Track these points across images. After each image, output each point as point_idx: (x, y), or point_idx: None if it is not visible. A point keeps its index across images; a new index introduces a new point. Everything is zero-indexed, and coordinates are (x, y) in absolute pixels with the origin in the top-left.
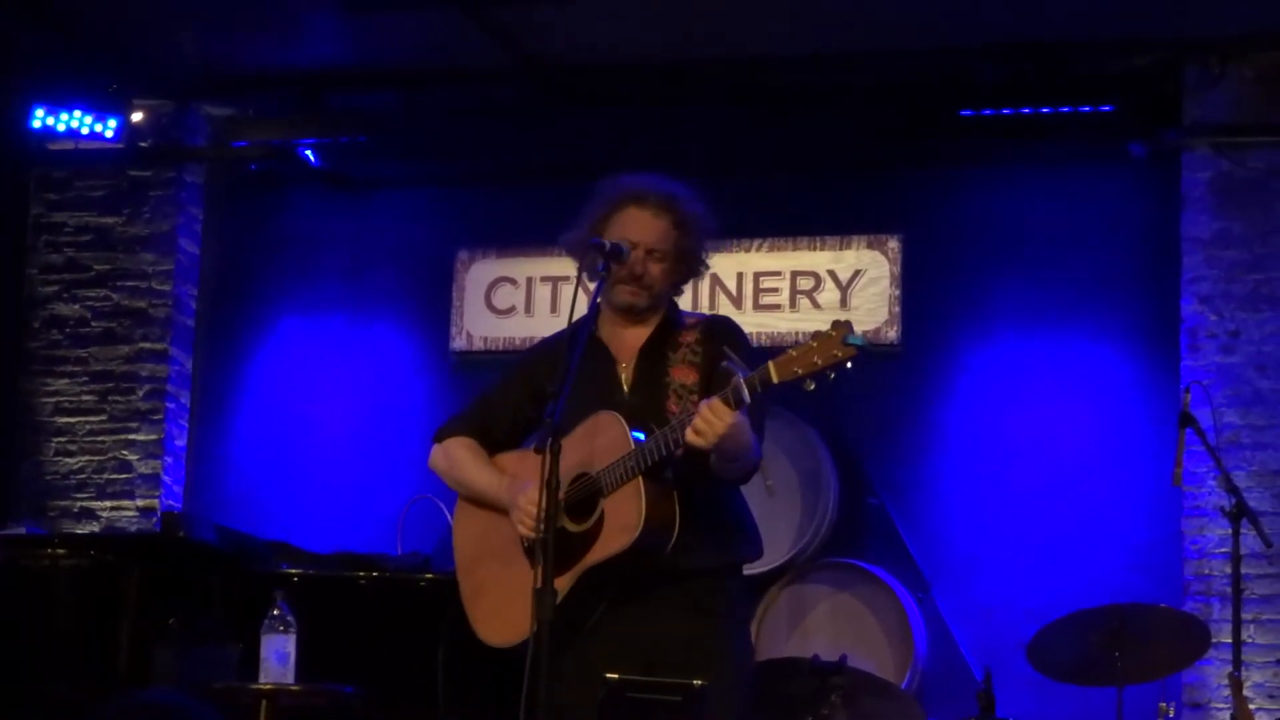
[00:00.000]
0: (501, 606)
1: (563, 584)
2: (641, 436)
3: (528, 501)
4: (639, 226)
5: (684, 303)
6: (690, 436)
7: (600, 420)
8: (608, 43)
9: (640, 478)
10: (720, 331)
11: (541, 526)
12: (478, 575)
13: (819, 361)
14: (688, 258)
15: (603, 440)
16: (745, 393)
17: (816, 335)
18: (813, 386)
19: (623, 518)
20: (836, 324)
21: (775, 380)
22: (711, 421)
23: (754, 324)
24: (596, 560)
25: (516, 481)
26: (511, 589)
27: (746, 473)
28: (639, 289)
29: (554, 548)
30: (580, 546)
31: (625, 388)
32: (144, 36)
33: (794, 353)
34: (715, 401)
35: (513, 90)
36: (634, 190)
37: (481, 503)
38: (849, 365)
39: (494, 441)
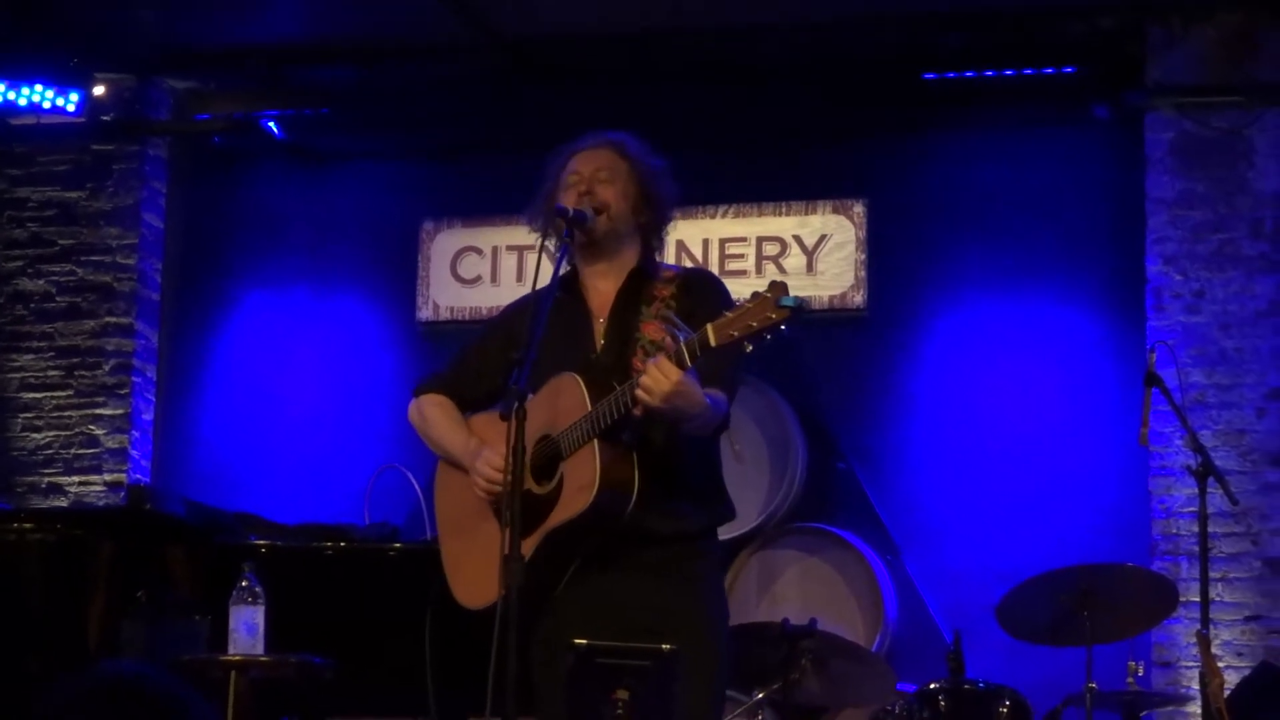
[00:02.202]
0: (475, 569)
1: (527, 547)
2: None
3: (484, 464)
4: (581, 161)
5: None
6: (639, 395)
7: (560, 382)
8: (570, 14)
9: (596, 440)
10: (697, 286)
11: (496, 489)
12: (456, 539)
13: (754, 324)
14: (641, 185)
15: (563, 402)
16: (685, 357)
17: (753, 297)
18: (750, 349)
19: (580, 480)
20: (772, 285)
21: (713, 343)
22: (658, 379)
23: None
24: (557, 523)
25: (483, 444)
26: (484, 551)
27: (710, 430)
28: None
29: (521, 511)
30: (544, 509)
31: (599, 344)
32: (105, 10)
33: (730, 315)
34: (661, 359)
35: (475, 63)
36: (574, 143)
37: (457, 465)
38: (783, 328)
39: (467, 401)
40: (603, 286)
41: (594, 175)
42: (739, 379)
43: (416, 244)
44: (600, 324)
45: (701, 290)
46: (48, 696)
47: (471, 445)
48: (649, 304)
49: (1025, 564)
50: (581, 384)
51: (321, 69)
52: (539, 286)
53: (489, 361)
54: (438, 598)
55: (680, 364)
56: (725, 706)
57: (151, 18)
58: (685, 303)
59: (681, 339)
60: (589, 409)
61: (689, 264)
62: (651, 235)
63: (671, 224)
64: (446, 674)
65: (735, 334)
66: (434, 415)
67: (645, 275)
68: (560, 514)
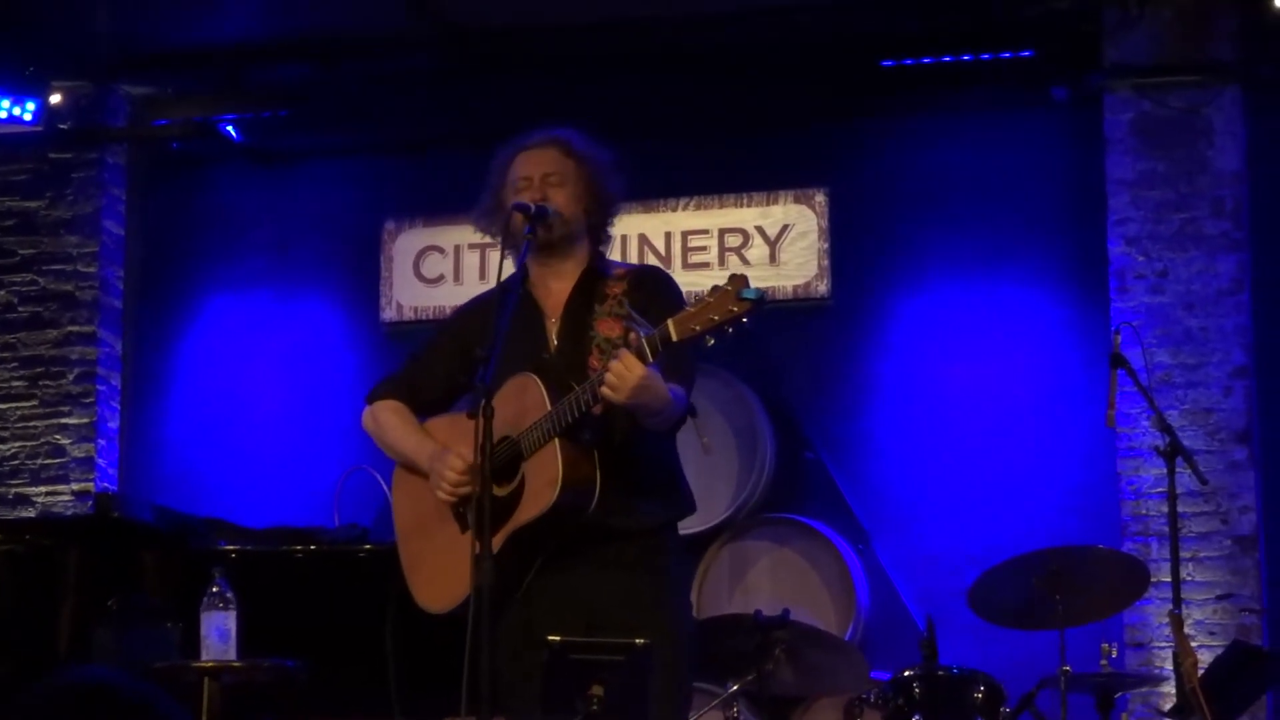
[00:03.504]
0: (436, 572)
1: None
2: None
3: (444, 467)
4: (528, 162)
5: None
6: (605, 393)
7: (518, 382)
8: (525, 6)
9: (557, 439)
10: (648, 282)
11: (461, 492)
12: (414, 543)
13: (715, 318)
14: (590, 184)
15: (522, 402)
16: (648, 353)
17: (713, 291)
18: (713, 343)
19: (541, 480)
20: (733, 278)
21: (675, 338)
22: (623, 375)
23: (684, 283)
24: (520, 524)
25: (441, 447)
26: (445, 555)
27: (672, 423)
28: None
29: (475, 511)
30: (506, 510)
31: (552, 344)
32: (60, 17)
33: (692, 309)
34: (625, 354)
35: (432, 58)
36: (519, 140)
37: (414, 469)
38: (745, 320)
39: (424, 404)
40: (555, 286)
41: (544, 180)
42: (695, 372)
43: (379, 244)
44: (553, 324)
45: (653, 287)
46: (15, 701)
47: (430, 448)
48: (601, 302)
49: (995, 548)
50: (540, 384)
51: (279, 68)
52: (501, 282)
53: (442, 364)
54: (398, 601)
55: (643, 359)
56: (699, 699)
57: (106, 25)
58: (637, 299)
59: (643, 334)
60: (549, 408)
61: (651, 258)
62: (600, 231)
63: (618, 217)
64: (413, 676)
65: (697, 328)
66: (389, 421)
67: (597, 274)
68: (524, 514)
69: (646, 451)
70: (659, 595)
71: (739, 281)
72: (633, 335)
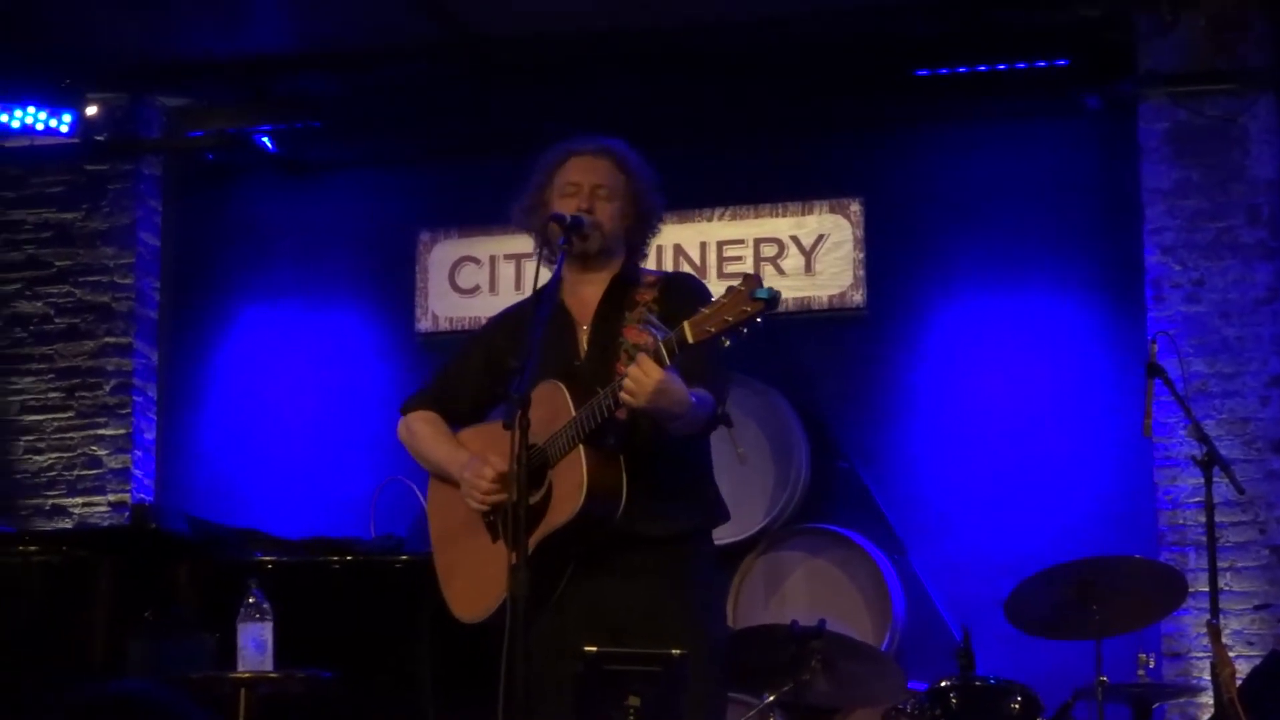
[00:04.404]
0: (469, 582)
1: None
2: None
3: (475, 476)
4: (580, 169)
5: None
6: (624, 397)
7: (545, 389)
8: (554, 13)
9: (581, 445)
10: (679, 288)
11: (492, 501)
12: (448, 552)
13: (730, 318)
14: (637, 201)
15: (549, 409)
16: (664, 356)
17: (727, 292)
18: (728, 344)
19: (567, 486)
20: (746, 278)
21: (691, 340)
22: (640, 379)
23: (719, 293)
24: (547, 532)
25: (473, 457)
26: (477, 563)
27: (699, 427)
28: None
29: (512, 521)
30: (535, 518)
31: (582, 352)
32: (94, 30)
33: (707, 311)
34: (642, 358)
35: (461, 68)
36: (571, 144)
37: (447, 479)
38: (759, 320)
39: (456, 414)
40: (587, 295)
41: (594, 190)
42: (727, 377)
43: (413, 255)
44: (584, 331)
45: (683, 292)
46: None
47: (461, 458)
48: (631, 309)
49: (1031, 557)
50: (565, 391)
51: (310, 79)
52: (535, 292)
53: (474, 375)
54: (433, 611)
55: (660, 362)
56: (735, 710)
57: (141, 36)
58: (667, 305)
59: (660, 338)
60: (573, 415)
61: (686, 267)
62: (638, 246)
63: (656, 234)
64: (447, 686)
65: (712, 329)
66: (423, 431)
67: (627, 282)
68: (551, 521)
69: (674, 457)
70: (688, 603)
71: (752, 282)
72: (650, 339)
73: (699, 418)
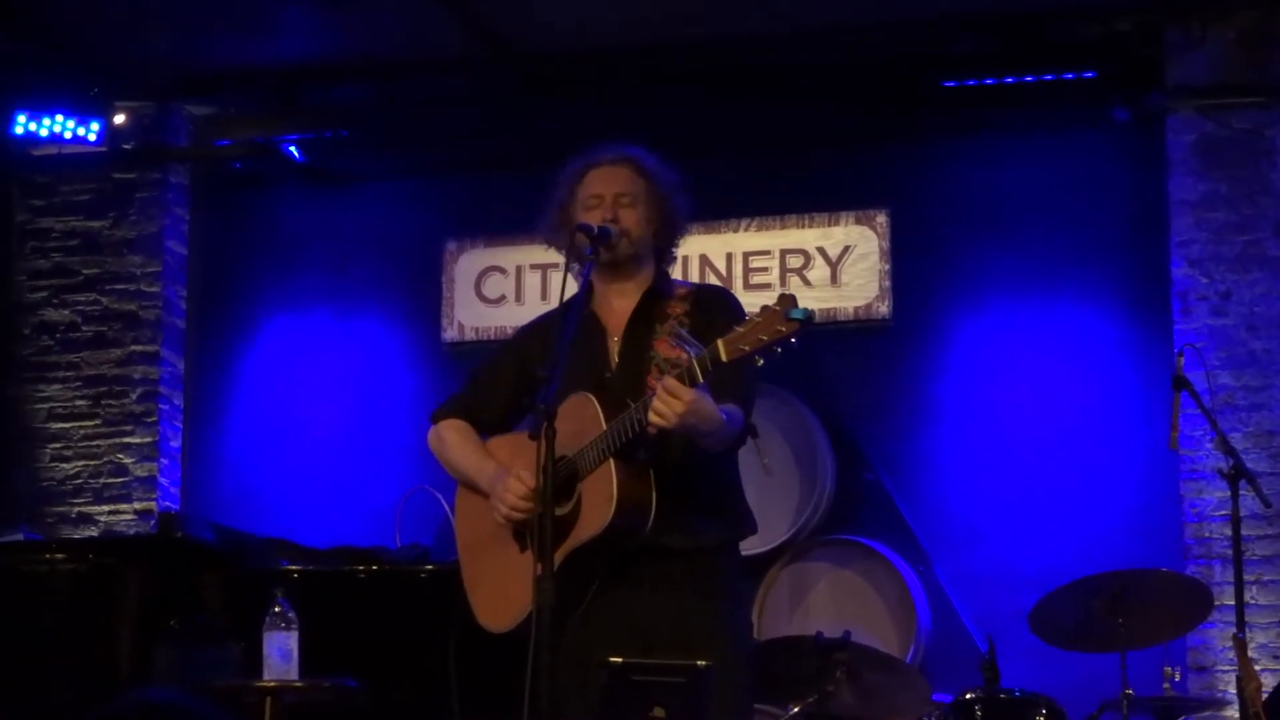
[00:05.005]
0: (496, 591)
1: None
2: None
3: (504, 488)
4: (601, 180)
5: None
6: (652, 418)
7: (576, 401)
8: (584, 27)
9: (612, 459)
10: (711, 302)
11: (520, 513)
12: (476, 562)
13: (764, 337)
14: (661, 205)
15: (580, 421)
16: (698, 373)
17: (762, 311)
18: (761, 363)
19: (597, 499)
20: (781, 298)
21: (724, 359)
22: (669, 402)
23: (745, 304)
24: (577, 543)
25: (502, 468)
26: (504, 574)
27: (728, 444)
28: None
29: (538, 532)
30: (564, 530)
31: (613, 363)
32: (122, 38)
33: (741, 329)
34: (669, 380)
35: (489, 79)
36: (589, 156)
37: (476, 489)
38: (793, 340)
39: (486, 423)
40: (618, 305)
41: (616, 199)
42: (754, 391)
43: (439, 264)
44: (615, 342)
45: (714, 306)
46: None
47: (490, 469)
48: (662, 322)
49: (1056, 569)
50: (596, 403)
51: (337, 89)
52: (564, 302)
53: (504, 383)
54: (459, 620)
55: (691, 381)
56: None
57: (169, 44)
58: (699, 319)
59: (693, 355)
60: (604, 428)
61: (712, 278)
62: (666, 249)
63: (684, 238)
64: (473, 695)
65: (746, 348)
66: (453, 440)
67: (659, 294)
68: (580, 534)
69: (703, 470)
70: (716, 615)
71: (787, 301)
72: (683, 355)
73: (729, 434)
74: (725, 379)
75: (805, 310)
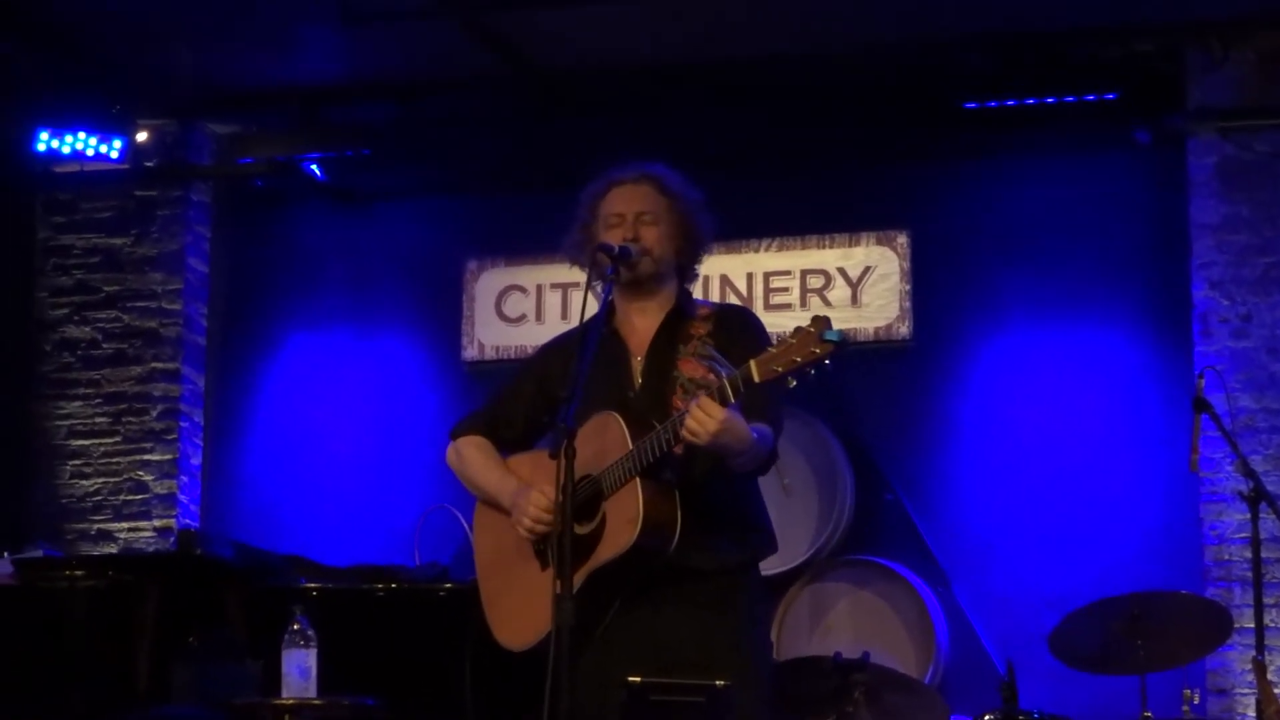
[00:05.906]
0: (515, 610)
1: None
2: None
3: (526, 504)
4: (622, 199)
5: None
6: (686, 436)
7: (600, 420)
8: (606, 47)
9: (638, 478)
10: (733, 322)
11: (541, 530)
12: (495, 579)
13: (798, 359)
14: (683, 224)
15: (604, 441)
16: (729, 393)
17: (795, 332)
18: (794, 384)
19: (622, 519)
20: (815, 319)
21: (757, 379)
22: (703, 420)
23: (766, 325)
24: (599, 563)
25: (523, 484)
26: (524, 592)
27: (758, 464)
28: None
29: (557, 550)
30: (586, 549)
31: (636, 382)
32: (145, 56)
33: (774, 350)
34: (704, 399)
35: (512, 98)
36: (611, 175)
37: (496, 506)
38: (827, 362)
39: (507, 440)
40: (640, 324)
41: (637, 218)
42: (782, 412)
43: (460, 283)
44: (638, 362)
45: (738, 327)
46: None
47: (511, 485)
48: (686, 342)
49: (1075, 591)
50: (622, 422)
51: (359, 108)
52: (585, 322)
53: (525, 401)
54: (477, 639)
55: (724, 400)
56: None
57: (191, 62)
58: (721, 339)
59: (725, 375)
60: (630, 448)
61: (733, 298)
62: (689, 268)
63: (708, 253)
64: (491, 714)
65: (779, 369)
66: (472, 456)
67: (682, 313)
68: (604, 553)
69: (728, 491)
70: (736, 635)
71: (821, 323)
72: (714, 376)
73: (760, 454)
74: (756, 399)
75: (839, 332)
